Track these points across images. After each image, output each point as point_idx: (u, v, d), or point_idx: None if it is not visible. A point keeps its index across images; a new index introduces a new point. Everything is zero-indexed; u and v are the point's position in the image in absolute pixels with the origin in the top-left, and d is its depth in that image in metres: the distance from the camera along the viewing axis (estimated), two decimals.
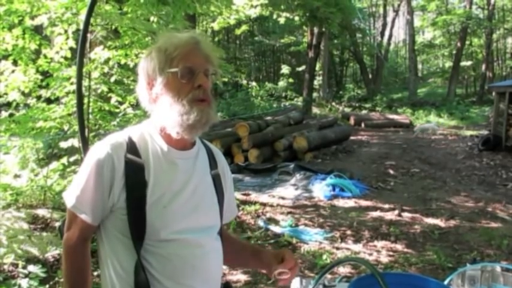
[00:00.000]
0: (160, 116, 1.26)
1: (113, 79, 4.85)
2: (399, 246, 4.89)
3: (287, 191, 7.31)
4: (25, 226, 4.16)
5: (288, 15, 12.22)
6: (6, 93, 4.49)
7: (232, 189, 1.50)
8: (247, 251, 1.53)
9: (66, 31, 4.40)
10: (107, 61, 4.65)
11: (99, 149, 1.23)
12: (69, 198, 1.25)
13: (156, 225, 1.21)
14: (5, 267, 3.45)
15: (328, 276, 1.62)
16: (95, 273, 2.69)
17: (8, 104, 4.70)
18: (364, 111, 22.06)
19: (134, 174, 1.21)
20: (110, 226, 1.25)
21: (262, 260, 1.42)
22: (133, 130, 1.30)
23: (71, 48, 4.49)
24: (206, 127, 1.26)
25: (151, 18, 5.28)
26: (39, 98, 4.72)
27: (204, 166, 1.36)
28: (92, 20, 3.89)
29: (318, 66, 21.74)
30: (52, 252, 3.61)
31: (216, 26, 9.10)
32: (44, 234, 4.09)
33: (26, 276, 3.22)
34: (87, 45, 4.33)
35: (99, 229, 1.28)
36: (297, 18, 14.76)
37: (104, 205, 1.22)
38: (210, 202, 1.34)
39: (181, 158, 1.29)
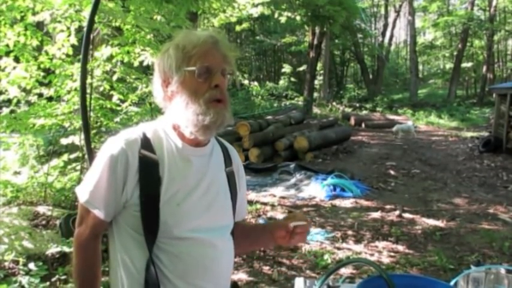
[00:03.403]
0: (175, 114, 1.24)
1: (115, 77, 4.83)
2: (400, 247, 4.88)
3: (288, 191, 7.30)
4: (25, 223, 4.15)
5: (289, 14, 12.18)
6: (7, 90, 4.48)
7: (244, 189, 1.48)
8: (255, 230, 1.55)
9: (68, 28, 4.38)
10: (109, 59, 4.63)
11: (113, 145, 1.22)
12: (82, 194, 1.23)
13: (169, 223, 1.19)
14: (6, 264, 3.44)
15: (331, 276, 1.60)
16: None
17: (9, 101, 4.68)
18: (364, 112, 22.05)
19: (148, 170, 1.20)
20: (122, 222, 1.24)
21: (272, 229, 1.42)
22: (147, 126, 1.28)
23: (72, 46, 4.48)
24: (221, 129, 1.25)
25: (154, 17, 5.27)
26: (40, 95, 4.70)
27: (219, 163, 1.35)
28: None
29: (318, 66, 21.71)
30: (53, 250, 3.59)
31: (216, 22, 9.07)
32: (45, 231, 4.08)
33: (27, 273, 3.20)
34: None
35: (110, 225, 1.26)
36: (298, 18, 14.72)
37: (117, 201, 1.20)
38: (223, 200, 1.33)
39: (195, 155, 1.27)
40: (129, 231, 1.22)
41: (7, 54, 4.33)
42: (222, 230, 1.32)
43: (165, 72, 1.25)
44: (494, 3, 25.59)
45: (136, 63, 4.88)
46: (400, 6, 30.31)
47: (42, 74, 4.49)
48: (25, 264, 3.32)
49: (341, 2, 15.16)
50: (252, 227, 1.53)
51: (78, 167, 5.03)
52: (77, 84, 4.30)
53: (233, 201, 1.36)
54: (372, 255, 4.62)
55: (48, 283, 3.23)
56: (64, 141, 4.90)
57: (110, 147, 1.21)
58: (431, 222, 5.79)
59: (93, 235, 1.25)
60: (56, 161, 5.13)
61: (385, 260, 4.50)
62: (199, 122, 1.20)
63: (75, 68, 4.39)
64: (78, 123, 4.63)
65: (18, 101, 4.64)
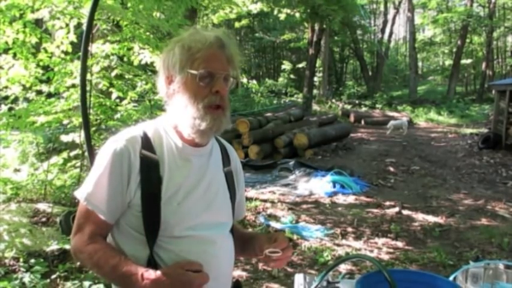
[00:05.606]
0: (175, 113, 1.26)
1: (114, 73, 4.83)
2: (400, 244, 4.89)
3: (287, 188, 7.30)
4: (25, 220, 4.15)
5: (288, 11, 12.16)
6: (6, 87, 4.47)
7: (243, 188, 1.49)
8: (243, 238, 1.48)
9: (67, 25, 4.37)
10: (108, 55, 4.63)
11: (115, 144, 1.21)
12: (84, 195, 1.21)
13: (171, 222, 1.20)
14: (6, 261, 3.44)
15: (330, 273, 1.60)
16: None
17: (7, 98, 4.68)
18: (364, 109, 22.02)
19: (149, 170, 1.20)
20: (122, 222, 1.24)
21: (256, 245, 1.38)
22: (148, 125, 1.29)
23: (71, 43, 4.47)
24: (217, 133, 1.26)
25: (154, 13, 5.26)
26: (40, 92, 4.69)
27: (218, 163, 1.36)
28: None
29: (318, 63, 21.65)
30: (53, 247, 3.60)
31: (215, 19, 9.06)
32: (45, 228, 4.08)
33: (28, 270, 3.21)
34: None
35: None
36: (297, 14, 14.69)
37: (123, 200, 1.20)
38: (222, 199, 1.34)
39: (195, 155, 1.28)
40: (129, 231, 1.22)
41: (6, 51, 4.32)
42: (222, 227, 1.32)
43: (168, 69, 1.26)
44: None
45: (136, 62, 4.87)
46: (400, 2, 30.21)
47: (41, 71, 4.49)
48: (26, 262, 3.33)
49: (338, 0, 15.08)
50: (241, 234, 1.48)
51: (78, 164, 5.03)
52: (76, 81, 4.30)
53: (232, 200, 1.37)
54: (371, 251, 4.64)
55: (48, 280, 3.23)
56: (64, 138, 4.90)
57: (112, 145, 1.21)
58: (431, 218, 5.80)
59: (92, 239, 1.20)
60: (55, 159, 5.13)
61: (385, 256, 4.51)
62: (195, 125, 1.21)
63: (74, 66, 4.39)
64: (77, 120, 4.64)
65: (16, 98, 4.64)
